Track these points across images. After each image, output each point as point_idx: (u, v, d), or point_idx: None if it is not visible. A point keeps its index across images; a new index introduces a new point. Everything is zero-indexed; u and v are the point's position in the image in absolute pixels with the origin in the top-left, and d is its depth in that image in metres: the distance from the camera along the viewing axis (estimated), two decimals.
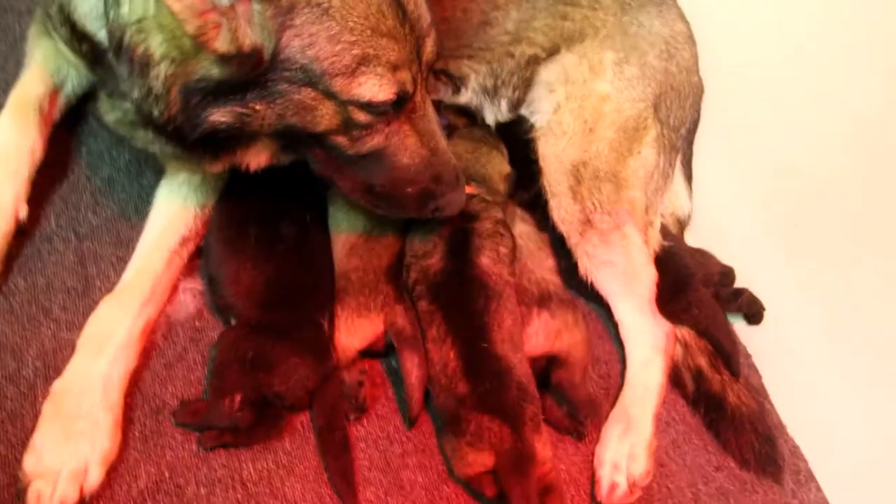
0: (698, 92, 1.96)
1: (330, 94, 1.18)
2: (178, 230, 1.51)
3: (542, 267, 1.74)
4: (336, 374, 1.48)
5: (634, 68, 1.78)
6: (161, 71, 1.14)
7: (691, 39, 1.92)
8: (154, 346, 1.47)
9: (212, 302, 1.54)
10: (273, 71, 1.14)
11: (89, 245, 1.54)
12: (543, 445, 1.44)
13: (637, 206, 1.77)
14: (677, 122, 1.89)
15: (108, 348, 1.36)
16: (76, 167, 1.65)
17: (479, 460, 1.40)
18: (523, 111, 1.86)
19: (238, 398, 1.36)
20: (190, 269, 1.56)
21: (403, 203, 1.39)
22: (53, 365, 1.36)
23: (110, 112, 1.38)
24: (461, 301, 1.53)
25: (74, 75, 1.59)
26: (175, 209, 1.53)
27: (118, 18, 1.15)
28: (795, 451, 1.86)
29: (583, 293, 1.84)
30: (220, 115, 1.18)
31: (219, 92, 1.15)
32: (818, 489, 1.82)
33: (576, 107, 1.76)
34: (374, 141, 1.29)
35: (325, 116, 1.22)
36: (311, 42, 1.12)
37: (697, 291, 1.81)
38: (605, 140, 1.74)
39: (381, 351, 1.56)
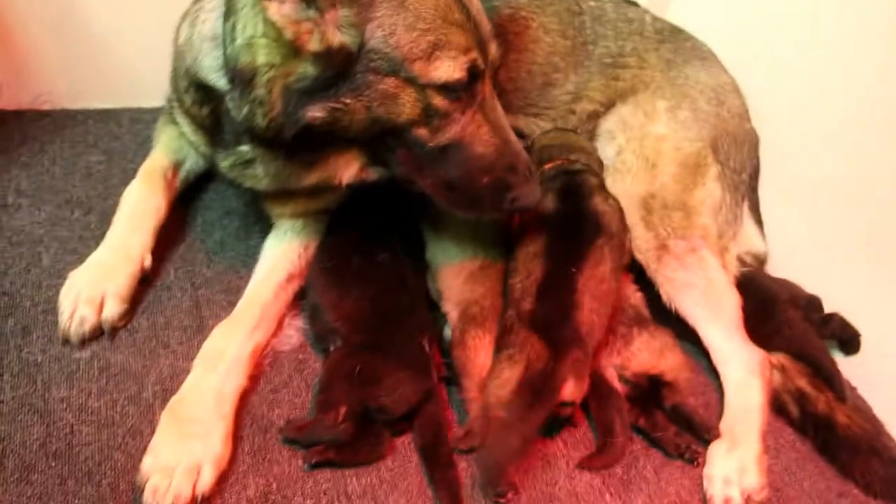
0: (754, 139, 2.08)
1: (410, 80, 1.32)
2: (285, 267, 1.66)
3: (633, 297, 1.79)
4: (439, 392, 1.52)
5: (687, 112, 1.93)
6: (264, 77, 1.34)
7: (738, 90, 2.07)
8: (262, 373, 1.55)
9: (313, 333, 1.63)
10: (360, 63, 1.30)
11: (203, 292, 1.69)
12: (574, 391, 1.46)
13: (709, 231, 1.83)
14: (738, 166, 1.98)
15: (221, 365, 1.46)
16: (193, 232, 1.86)
17: (512, 376, 1.43)
18: None
19: (343, 410, 1.41)
20: (294, 307, 1.68)
21: (481, 197, 1.45)
22: (171, 388, 1.45)
23: (225, 160, 1.59)
24: (570, 231, 1.67)
25: (192, 155, 1.84)
26: (281, 250, 1.69)
27: (233, 48, 1.38)
28: None
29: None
30: (315, 111, 1.34)
31: (314, 90, 1.32)
32: None
33: (636, 147, 1.90)
34: (451, 131, 1.40)
35: (407, 104, 1.35)
36: (391, 32, 1.28)
37: (786, 312, 1.80)
38: (668, 174, 1.85)
39: None
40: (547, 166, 1.84)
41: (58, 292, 1.55)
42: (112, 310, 1.54)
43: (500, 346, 1.51)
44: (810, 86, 2.01)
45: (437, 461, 1.44)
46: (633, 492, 1.52)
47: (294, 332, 1.64)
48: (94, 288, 1.54)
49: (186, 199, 1.91)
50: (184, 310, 1.64)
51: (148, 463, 1.30)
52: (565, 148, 1.87)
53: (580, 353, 1.48)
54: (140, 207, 1.69)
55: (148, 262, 1.65)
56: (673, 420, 1.62)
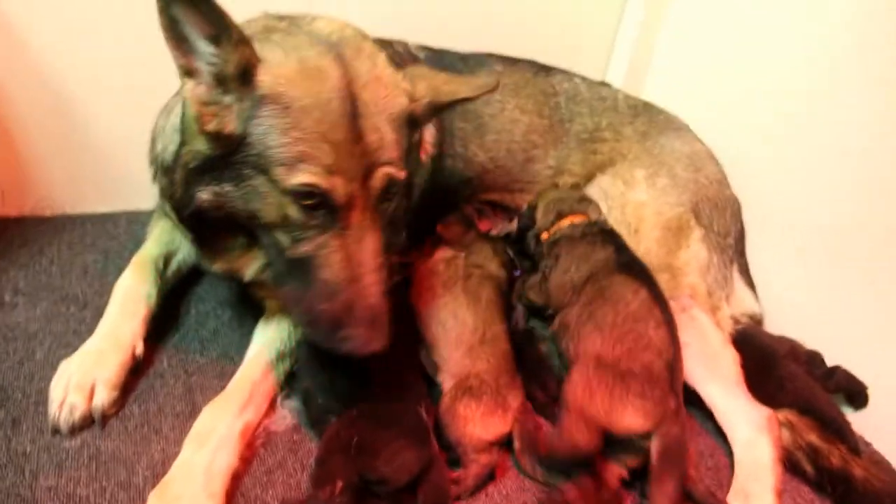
0: (735, 205, 2.13)
1: (274, 183, 1.32)
2: (274, 346, 1.66)
3: None
4: (440, 460, 1.48)
5: (665, 179, 2.00)
6: (175, 152, 1.45)
7: (713, 157, 2.15)
8: (255, 454, 1.52)
9: (308, 417, 1.60)
10: (240, 153, 1.34)
11: (196, 379, 1.68)
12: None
13: (698, 291, 1.84)
14: (722, 230, 2.02)
15: (210, 443, 1.43)
16: (187, 322, 1.86)
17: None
18: None
19: (339, 485, 1.36)
20: (287, 388, 1.66)
21: (318, 321, 1.40)
22: (161, 473, 1.40)
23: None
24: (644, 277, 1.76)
25: (185, 246, 1.87)
26: (271, 331, 1.69)
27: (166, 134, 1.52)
28: None
29: None
30: (203, 194, 1.40)
31: (204, 170, 1.38)
32: None
33: (618, 215, 1.95)
34: (304, 247, 1.37)
35: (270, 205, 1.36)
36: (268, 132, 1.29)
37: (787, 367, 1.78)
38: (651, 239, 1.89)
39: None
40: (567, 221, 1.91)
41: (49, 384, 1.54)
42: (102, 397, 1.53)
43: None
44: (787, 149, 2.09)
45: None
46: None
47: (287, 413, 1.62)
48: (84, 376, 1.53)
49: (180, 290, 1.93)
50: (176, 396, 1.62)
51: None
52: (576, 200, 1.95)
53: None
54: (131, 296, 1.71)
55: (140, 349, 1.65)
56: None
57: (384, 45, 1.92)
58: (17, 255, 2.01)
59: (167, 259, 1.85)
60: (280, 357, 1.65)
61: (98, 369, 1.56)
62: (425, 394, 1.61)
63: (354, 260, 1.38)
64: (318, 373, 1.60)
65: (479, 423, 1.52)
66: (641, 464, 1.53)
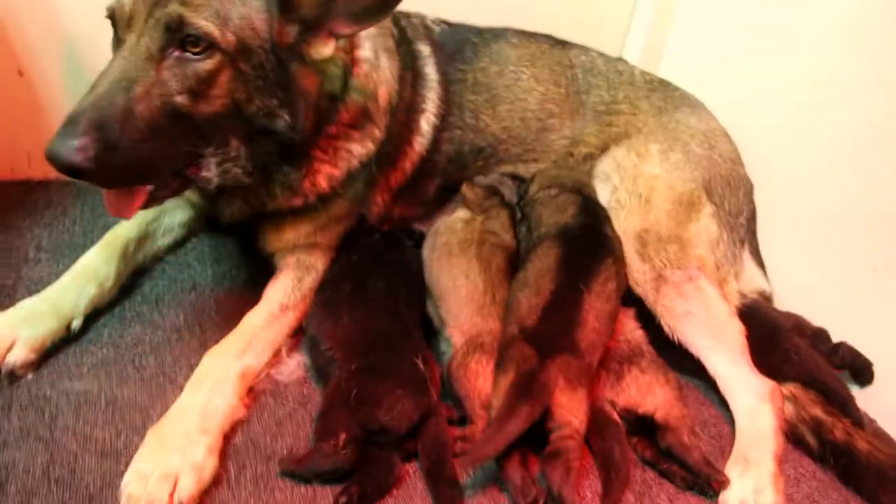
0: (748, 184, 2.13)
1: None
2: (276, 297, 1.71)
3: (628, 327, 1.79)
4: (439, 412, 1.51)
5: (679, 154, 2.00)
6: None
7: (728, 136, 2.15)
8: (264, 404, 1.57)
9: (313, 366, 1.65)
10: None
11: (211, 334, 1.71)
12: (570, 399, 1.44)
13: (706, 262, 1.85)
14: (733, 208, 2.02)
15: (206, 384, 1.48)
16: (203, 282, 1.91)
17: (502, 384, 1.45)
18: None
19: (343, 437, 1.40)
20: (296, 340, 1.72)
21: None
22: None
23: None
24: (582, 248, 1.73)
25: (181, 211, 1.93)
26: (275, 282, 1.75)
27: None
28: None
29: (678, 367, 1.85)
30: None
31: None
32: None
33: (630, 185, 1.95)
34: None
35: None
36: None
37: (791, 340, 1.79)
38: (662, 210, 1.90)
39: None
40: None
41: None
42: (17, 355, 1.51)
43: (497, 362, 1.52)
44: (800, 132, 2.10)
45: (441, 480, 1.41)
46: None
47: (295, 365, 1.66)
48: (9, 329, 1.52)
49: (195, 252, 2.00)
50: (192, 349, 1.67)
51: (126, 476, 1.30)
52: (573, 178, 1.98)
53: (571, 358, 1.48)
54: (87, 272, 1.70)
55: (76, 324, 1.63)
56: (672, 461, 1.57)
57: (400, 16, 1.98)
58: (41, 215, 2.07)
59: (142, 240, 1.86)
60: (283, 308, 1.69)
61: (24, 327, 1.54)
62: (424, 346, 1.64)
63: (104, 74, 1.38)
64: (323, 321, 1.66)
65: (488, 379, 1.53)
66: None
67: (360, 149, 1.73)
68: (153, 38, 1.37)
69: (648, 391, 1.62)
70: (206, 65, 1.39)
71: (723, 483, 1.51)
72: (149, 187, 1.46)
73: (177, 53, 1.38)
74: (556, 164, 2.09)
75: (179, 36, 1.37)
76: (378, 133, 1.76)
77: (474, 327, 1.64)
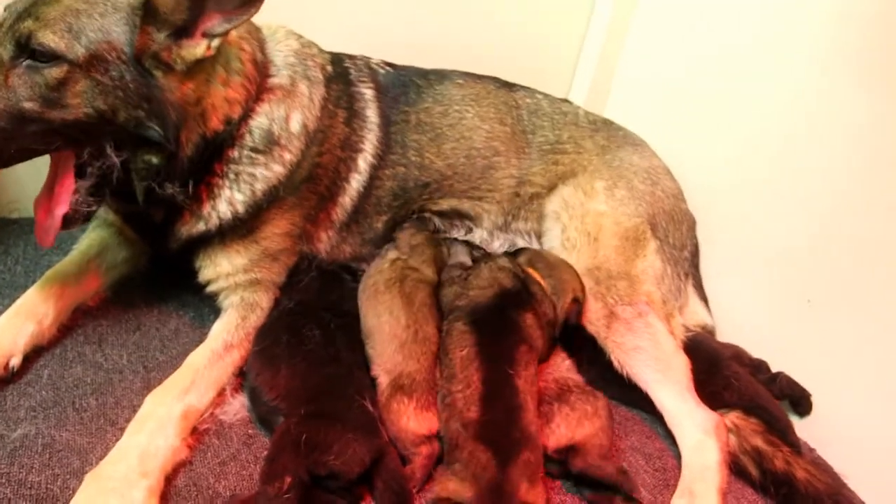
0: (690, 219, 2.21)
1: None
2: (220, 336, 1.71)
3: (559, 368, 1.81)
4: (391, 449, 1.51)
5: (623, 191, 2.06)
6: None
7: (670, 173, 2.23)
8: (208, 445, 1.53)
9: (256, 415, 1.63)
10: None
11: (155, 375, 1.68)
12: (532, 493, 1.39)
13: (654, 298, 1.90)
14: (677, 242, 2.09)
15: (147, 426, 1.46)
16: (148, 321, 1.88)
17: (459, 490, 1.38)
18: (541, 243, 2.13)
19: (288, 481, 1.37)
20: (242, 382, 1.70)
21: None
22: None
23: None
24: (497, 332, 1.65)
25: (122, 252, 1.92)
26: (219, 322, 1.76)
27: None
28: None
29: (622, 399, 1.89)
30: None
31: None
32: None
33: (578, 224, 2.01)
34: None
35: None
36: None
37: (732, 367, 1.85)
38: (610, 247, 1.95)
39: None
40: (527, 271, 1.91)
41: None
42: None
43: (447, 462, 1.49)
44: (741, 170, 2.19)
45: None
46: None
47: (240, 405, 1.64)
48: None
49: (141, 290, 1.96)
50: (135, 391, 1.63)
51: None
52: (551, 267, 1.92)
53: (529, 453, 1.45)
54: (25, 309, 1.68)
55: (15, 363, 1.60)
56: (586, 485, 1.58)
57: (344, 57, 2.03)
58: None
59: (83, 277, 1.84)
60: (227, 347, 1.69)
61: None
62: (370, 385, 1.64)
63: None
64: (261, 372, 1.64)
65: (413, 418, 1.55)
66: None
67: (265, 172, 1.75)
68: (6, 49, 1.45)
69: (578, 426, 1.63)
70: (53, 73, 1.44)
71: (636, 497, 1.52)
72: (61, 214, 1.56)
73: (28, 62, 1.45)
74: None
75: (28, 49, 1.44)
76: (289, 156, 1.77)
77: (396, 367, 1.65)
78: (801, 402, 1.91)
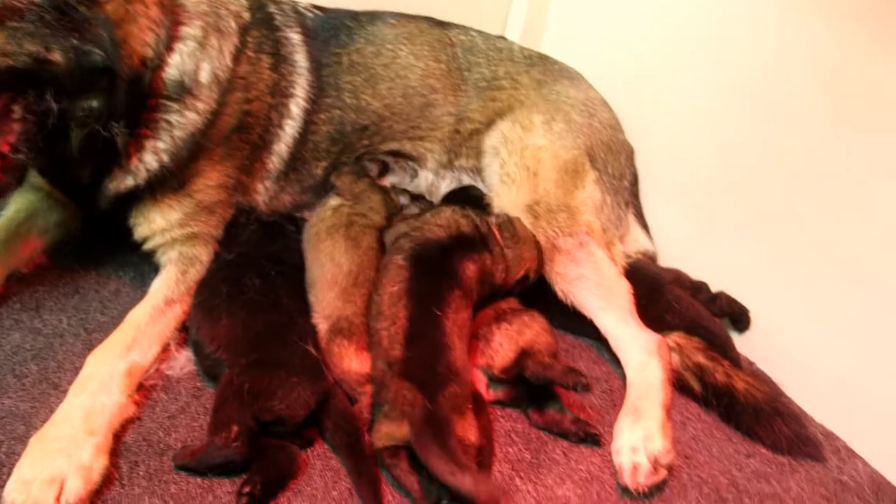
0: (628, 149, 2.24)
1: None
2: (161, 291, 1.68)
3: (504, 302, 1.81)
4: (339, 391, 1.52)
5: (561, 124, 2.07)
6: None
7: (606, 104, 2.25)
8: (156, 400, 1.53)
9: (201, 368, 1.63)
10: None
11: (97, 336, 1.65)
12: (466, 429, 1.40)
13: (594, 227, 1.93)
14: (616, 172, 2.12)
15: (90, 385, 1.45)
16: (86, 284, 1.84)
17: (392, 432, 1.38)
18: (482, 179, 2.13)
19: (235, 429, 1.38)
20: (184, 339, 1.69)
21: None
22: None
23: None
24: (434, 273, 1.64)
25: (51, 215, 1.87)
26: (159, 277, 1.74)
27: None
28: (829, 435, 1.80)
29: (568, 328, 1.94)
30: None
31: None
32: (865, 464, 1.72)
33: (518, 159, 2.02)
34: None
35: None
36: None
37: (673, 291, 1.89)
38: (549, 180, 1.97)
39: None
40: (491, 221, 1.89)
41: None
42: None
43: (376, 403, 1.48)
44: (677, 98, 2.21)
45: (358, 452, 1.43)
46: (543, 474, 1.53)
47: (186, 359, 1.63)
48: None
49: (78, 254, 1.92)
50: (76, 353, 1.60)
51: (8, 484, 1.25)
52: (517, 239, 1.87)
53: (456, 387, 1.44)
54: None
55: None
56: (544, 396, 1.63)
57: (269, 2, 1.97)
58: None
59: (14, 243, 1.79)
60: (168, 302, 1.67)
61: None
62: (312, 331, 1.64)
63: None
64: (203, 325, 1.63)
65: (354, 359, 1.56)
66: None
67: (180, 119, 1.70)
68: None
69: (520, 336, 1.66)
70: None
71: (587, 385, 1.52)
72: None
73: None
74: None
75: None
76: (203, 105, 1.73)
77: (335, 311, 1.65)
78: (740, 318, 1.97)
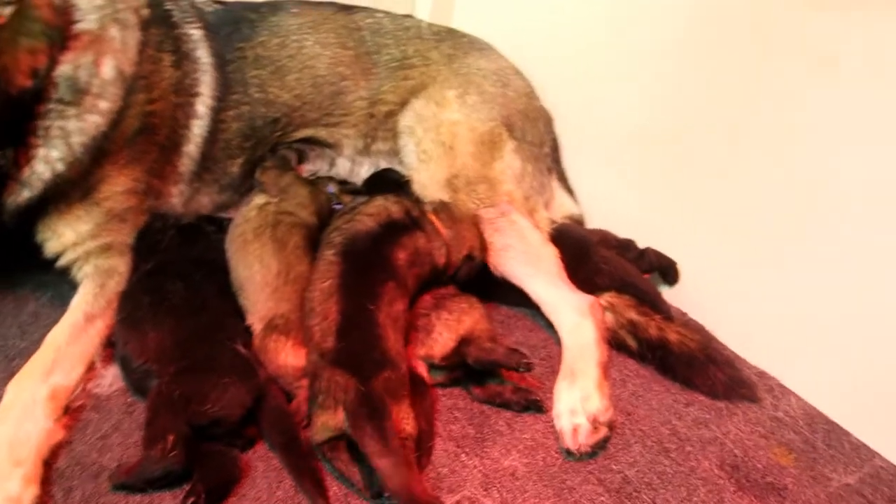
0: (546, 116, 2.25)
1: None
2: (80, 308, 1.62)
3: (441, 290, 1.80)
4: (274, 390, 1.50)
5: (475, 96, 2.07)
6: None
7: (519, 72, 2.25)
8: (89, 422, 1.48)
9: (130, 383, 1.58)
10: None
11: (18, 363, 1.57)
12: (402, 418, 1.38)
13: (515, 196, 1.95)
14: (535, 140, 2.13)
15: (12, 413, 1.39)
16: (4, 308, 1.77)
17: (327, 421, 1.36)
18: (400, 161, 2.11)
19: (171, 439, 1.35)
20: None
21: None
22: None
23: None
24: (366, 266, 1.62)
25: None
26: (78, 296, 1.66)
27: None
28: (762, 374, 1.85)
29: (502, 299, 1.95)
30: None
31: None
32: (798, 399, 1.78)
33: (433, 135, 2.01)
34: None
35: None
36: None
37: (600, 252, 1.92)
38: (467, 154, 1.97)
39: None
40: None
41: None
42: None
43: (311, 396, 1.46)
44: (593, 60, 2.21)
45: (295, 451, 1.41)
46: (487, 446, 1.53)
47: (114, 376, 1.58)
48: None
49: None
50: None
51: None
52: (454, 220, 1.85)
53: (390, 373, 1.43)
54: None
55: None
56: (484, 372, 1.64)
57: (164, 0, 1.90)
58: None
59: None
60: (88, 319, 1.61)
61: None
62: (242, 330, 1.60)
63: None
64: (129, 340, 1.57)
65: (290, 354, 1.54)
66: None
67: (79, 124, 1.63)
68: None
69: (459, 323, 1.66)
70: None
71: (530, 364, 1.54)
72: None
73: None
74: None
75: None
76: (106, 105, 1.66)
77: (269, 311, 1.63)
78: (669, 271, 2.01)
